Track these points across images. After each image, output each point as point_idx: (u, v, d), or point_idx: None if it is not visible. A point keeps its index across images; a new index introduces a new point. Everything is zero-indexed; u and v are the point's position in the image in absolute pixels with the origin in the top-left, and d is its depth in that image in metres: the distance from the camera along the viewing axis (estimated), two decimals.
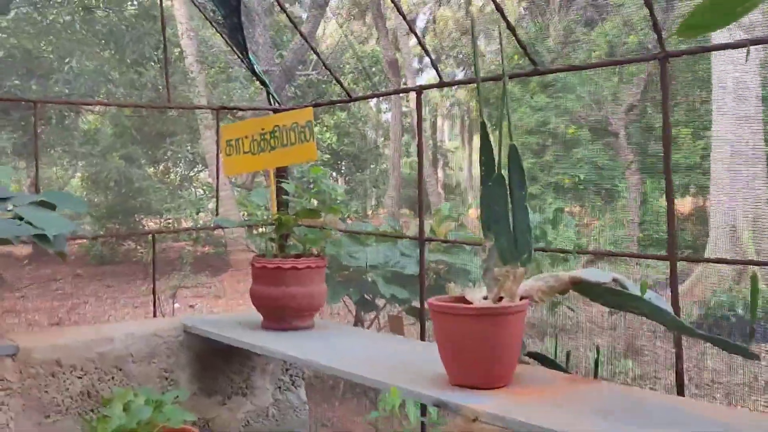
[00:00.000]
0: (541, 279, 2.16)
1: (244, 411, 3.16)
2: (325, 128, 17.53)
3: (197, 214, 13.87)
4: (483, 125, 2.07)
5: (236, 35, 3.72)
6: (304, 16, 15.27)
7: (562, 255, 6.63)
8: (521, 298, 2.10)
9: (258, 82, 4.25)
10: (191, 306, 10.47)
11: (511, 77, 2.65)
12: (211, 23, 3.76)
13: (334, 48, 19.46)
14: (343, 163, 19.12)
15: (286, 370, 3.29)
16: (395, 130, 20.48)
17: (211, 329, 2.93)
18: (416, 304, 6.63)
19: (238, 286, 11.61)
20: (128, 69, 11.60)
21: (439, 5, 25.69)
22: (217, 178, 4.10)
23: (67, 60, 11.04)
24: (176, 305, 9.15)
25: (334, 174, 19.17)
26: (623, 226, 10.94)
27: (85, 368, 2.75)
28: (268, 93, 3.87)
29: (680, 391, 2.36)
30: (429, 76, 27.60)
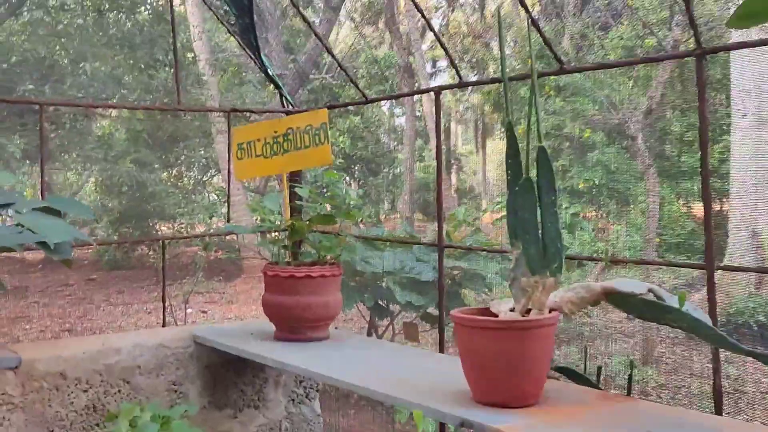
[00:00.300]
0: (571, 290, 2.03)
1: (256, 425, 3.04)
2: (338, 132, 17.44)
3: (210, 218, 13.81)
4: (509, 125, 1.94)
5: (248, 36, 3.62)
6: (317, 20, 15.21)
7: (574, 261, 6.46)
8: (550, 310, 1.97)
9: (270, 85, 4.15)
10: (204, 312, 10.40)
11: (525, 78, 2.52)
12: (222, 23, 3.66)
13: (347, 52, 19.39)
14: (357, 168, 19.02)
15: (300, 381, 3.17)
16: (409, 134, 20.35)
17: (221, 340, 2.81)
18: (432, 310, 6.50)
19: (251, 291, 11.53)
20: (141, 73, 11.56)
21: (452, 9, 25.56)
22: (228, 182, 3.98)
23: (81, 64, 11.02)
24: (189, 310, 9.08)
25: (348, 178, 19.07)
26: (640, 231, 10.75)
27: (90, 381, 2.64)
28: (281, 95, 3.76)
29: (718, 410, 2.21)
30: (441, 81, 27.47)
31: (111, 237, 13.49)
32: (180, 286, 10.22)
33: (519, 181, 1.93)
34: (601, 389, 2.15)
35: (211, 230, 12.92)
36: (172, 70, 11.39)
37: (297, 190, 2.95)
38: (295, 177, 3.43)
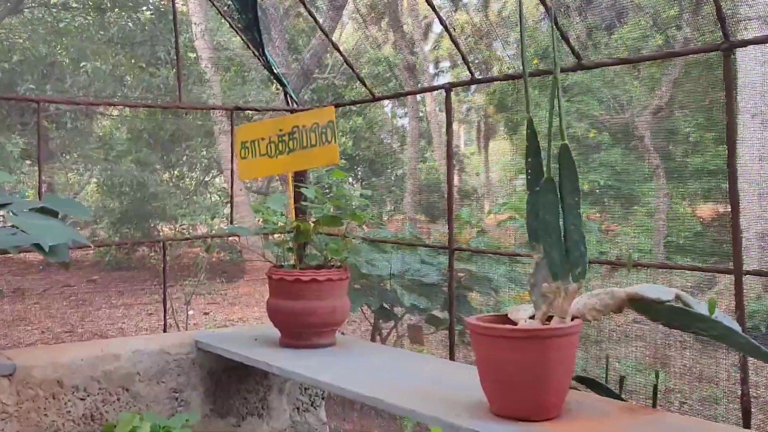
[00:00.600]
0: (594, 296, 1.92)
1: None
2: (341, 133, 17.34)
3: (212, 219, 13.70)
4: (530, 122, 1.83)
5: (252, 32, 3.52)
6: (321, 20, 15.10)
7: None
8: (573, 318, 1.87)
9: (273, 84, 4.04)
10: (205, 313, 10.29)
11: (547, 73, 2.41)
12: (226, 19, 3.56)
13: (350, 52, 19.28)
14: (360, 169, 18.92)
15: (305, 389, 3.06)
16: (412, 135, 20.24)
17: (224, 346, 2.71)
18: (437, 313, 6.39)
19: (253, 293, 11.43)
20: (142, 72, 11.46)
21: (455, 10, 25.45)
22: (232, 183, 3.88)
23: (82, 64, 10.91)
24: (191, 312, 8.98)
25: (351, 179, 18.97)
26: (647, 232, 10.62)
27: (88, 389, 2.54)
28: (286, 93, 3.66)
29: (746, 422, 2.11)
30: (445, 81, 27.31)
31: (112, 237, 13.40)
32: (182, 288, 10.12)
33: (540, 181, 1.82)
34: (624, 400, 2.04)
35: (213, 231, 12.82)
36: (174, 69, 11.30)
37: (303, 190, 2.84)
38: (299, 177, 3.33)
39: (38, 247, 2.18)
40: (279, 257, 2.82)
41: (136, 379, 2.65)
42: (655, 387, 2.05)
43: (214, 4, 3.89)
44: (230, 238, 12.15)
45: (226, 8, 3.76)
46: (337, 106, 3.16)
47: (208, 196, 15.79)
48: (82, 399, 2.52)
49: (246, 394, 2.90)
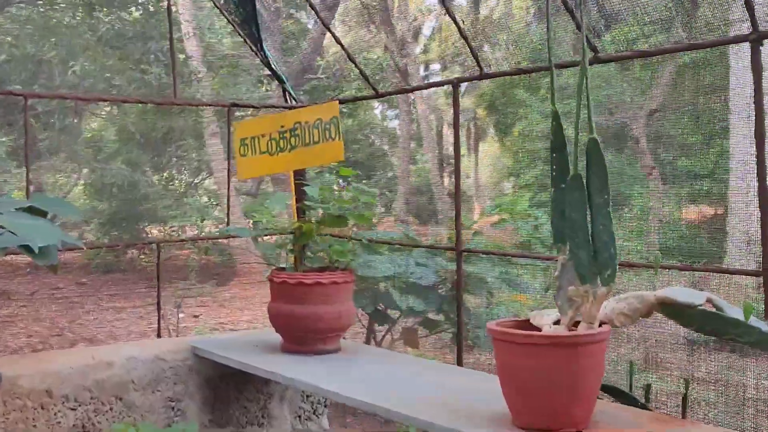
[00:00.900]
0: (622, 300, 1.81)
1: None
2: None
3: (202, 221, 13.53)
4: (555, 115, 1.72)
5: (250, 26, 3.40)
6: (312, 21, 14.99)
7: None
8: (600, 323, 1.75)
9: (265, 84, 3.91)
10: (195, 316, 10.13)
11: (571, 66, 2.31)
12: (222, 11, 3.44)
13: (342, 54, 19.16)
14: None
15: (307, 396, 2.94)
16: (403, 137, 20.15)
17: (223, 353, 2.58)
18: (432, 316, 6.28)
19: (244, 295, 11.27)
20: (133, 71, 11.29)
21: (445, 13, 25.41)
22: (228, 183, 3.74)
23: (71, 64, 10.73)
24: (181, 314, 8.82)
25: (341, 181, 18.82)
26: (642, 234, 10.56)
27: (79, 398, 2.40)
28: (284, 89, 3.54)
29: None
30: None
31: (101, 239, 13.20)
32: (172, 290, 9.95)
33: (567, 178, 1.71)
34: (651, 410, 1.93)
35: (203, 233, 12.64)
36: (165, 67, 11.14)
37: (306, 189, 2.71)
38: (299, 176, 3.21)
39: (27, 248, 2.05)
40: (273, 258, 2.70)
41: (131, 388, 2.52)
42: (685, 396, 1.95)
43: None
44: (221, 240, 11.98)
45: (222, 1, 3.64)
46: (341, 102, 3.04)
47: (198, 198, 15.62)
48: (72, 409, 2.39)
49: (246, 402, 2.78)
